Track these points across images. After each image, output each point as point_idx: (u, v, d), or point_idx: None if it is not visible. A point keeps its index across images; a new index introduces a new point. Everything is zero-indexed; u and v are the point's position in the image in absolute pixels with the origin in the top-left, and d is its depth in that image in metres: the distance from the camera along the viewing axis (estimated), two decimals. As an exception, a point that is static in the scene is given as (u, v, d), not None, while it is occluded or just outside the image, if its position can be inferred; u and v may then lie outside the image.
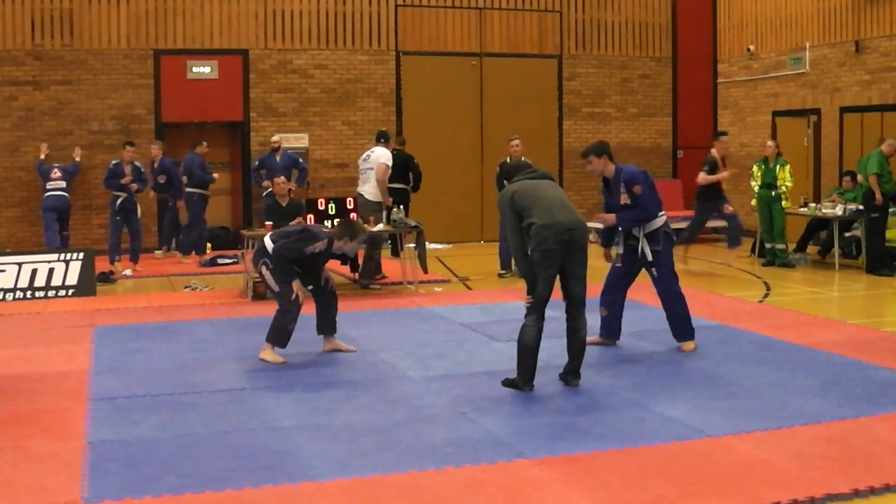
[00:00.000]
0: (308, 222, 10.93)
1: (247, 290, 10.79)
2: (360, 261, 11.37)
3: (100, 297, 11.21)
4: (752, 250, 14.00)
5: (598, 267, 8.24)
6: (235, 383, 6.84)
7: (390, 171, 11.69)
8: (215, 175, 14.40)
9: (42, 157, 14.29)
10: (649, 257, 7.63)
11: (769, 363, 7.24)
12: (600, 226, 8.23)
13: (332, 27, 16.18)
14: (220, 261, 13.90)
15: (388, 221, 11.40)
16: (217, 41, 15.63)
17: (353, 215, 12.21)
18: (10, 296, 11.06)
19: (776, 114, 16.49)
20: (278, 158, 14.44)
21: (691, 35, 17.99)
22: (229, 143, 16.27)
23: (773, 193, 12.96)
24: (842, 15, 15.05)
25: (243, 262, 11.73)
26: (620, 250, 7.80)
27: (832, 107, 15.27)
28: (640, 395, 6.36)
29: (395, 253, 12.86)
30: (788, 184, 12.96)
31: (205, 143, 14.21)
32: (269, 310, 8.18)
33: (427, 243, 11.94)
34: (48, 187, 13.80)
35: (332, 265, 8.22)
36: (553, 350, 7.03)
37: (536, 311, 6.44)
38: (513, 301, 9.84)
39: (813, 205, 13.50)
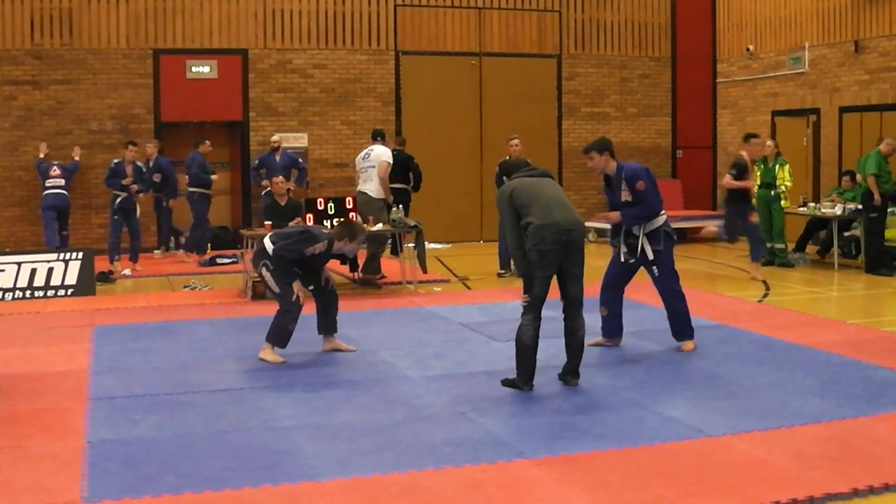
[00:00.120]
0: (307, 222, 10.93)
1: (246, 289, 10.79)
2: (361, 260, 11.37)
3: (99, 296, 11.20)
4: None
5: (596, 266, 8.25)
6: (235, 383, 6.83)
7: (390, 168, 11.70)
8: (214, 177, 14.38)
9: (41, 156, 14.29)
10: (650, 256, 7.62)
11: (769, 363, 7.24)
12: (604, 225, 8.18)
13: (332, 27, 16.18)
14: (219, 260, 13.89)
15: (388, 221, 11.40)
16: (216, 41, 15.63)
17: (352, 215, 12.18)
18: (9, 295, 11.05)
19: (775, 113, 16.50)
20: (278, 158, 14.44)
21: (691, 35, 17.99)
22: (229, 142, 16.26)
23: (773, 193, 12.95)
24: (841, 15, 15.05)
25: (242, 262, 11.73)
26: (623, 248, 7.76)
27: (831, 106, 15.28)
28: (640, 395, 6.35)
29: (395, 252, 12.86)
30: (788, 183, 12.95)
31: (208, 142, 14.19)
32: (268, 309, 8.18)
33: (426, 243, 11.94)
34: (47, 185, 13.79)
35: (332, 265, 8.22)
36: (552, 350, 7.03)
37: (533, 310, 6.43)
38: (512, 301, 9.83)
39: (812, 204, 13.51)
